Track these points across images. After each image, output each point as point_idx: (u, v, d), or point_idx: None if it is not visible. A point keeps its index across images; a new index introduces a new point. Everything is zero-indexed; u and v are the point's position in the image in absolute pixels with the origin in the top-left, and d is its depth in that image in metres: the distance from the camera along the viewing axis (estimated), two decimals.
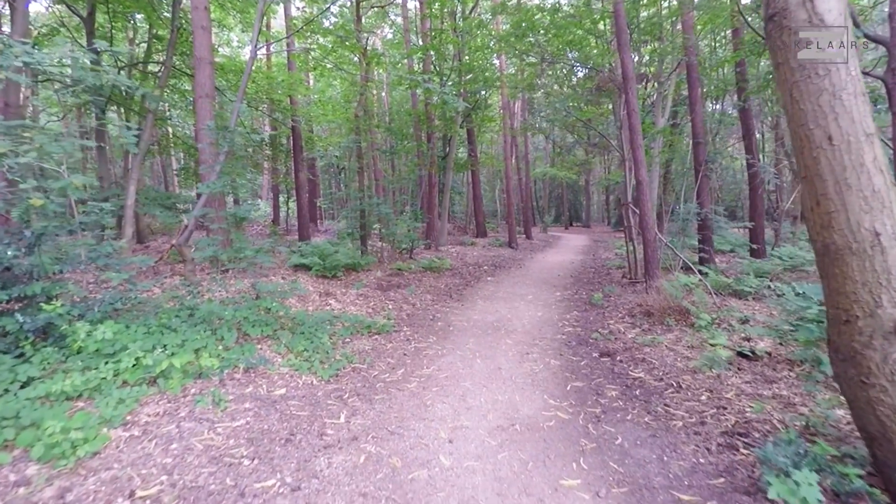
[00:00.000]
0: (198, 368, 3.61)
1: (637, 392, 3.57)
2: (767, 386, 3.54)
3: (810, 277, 7.05)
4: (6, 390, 2.93)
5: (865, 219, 1.89)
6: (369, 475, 2.48)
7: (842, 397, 2.53)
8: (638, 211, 7.35)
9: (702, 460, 2.58)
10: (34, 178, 3.84)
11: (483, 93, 15.69)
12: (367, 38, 12.04)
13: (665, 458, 2.61)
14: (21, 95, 6.86)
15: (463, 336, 5.25)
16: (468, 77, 13.68)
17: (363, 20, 11.10)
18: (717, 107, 13.58)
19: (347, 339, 4.98)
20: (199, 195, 5.74)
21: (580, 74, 13.60)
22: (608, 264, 11.26)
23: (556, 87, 14.88)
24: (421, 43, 14.82)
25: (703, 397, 3.40)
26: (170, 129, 15.70)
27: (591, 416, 3.19)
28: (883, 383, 1.89)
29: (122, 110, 11.31)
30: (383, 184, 14.46)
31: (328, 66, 12.68)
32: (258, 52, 10.00)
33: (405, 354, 4.62)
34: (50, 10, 12.91)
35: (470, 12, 14.38)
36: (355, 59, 11.74)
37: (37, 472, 2.39)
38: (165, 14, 10.17)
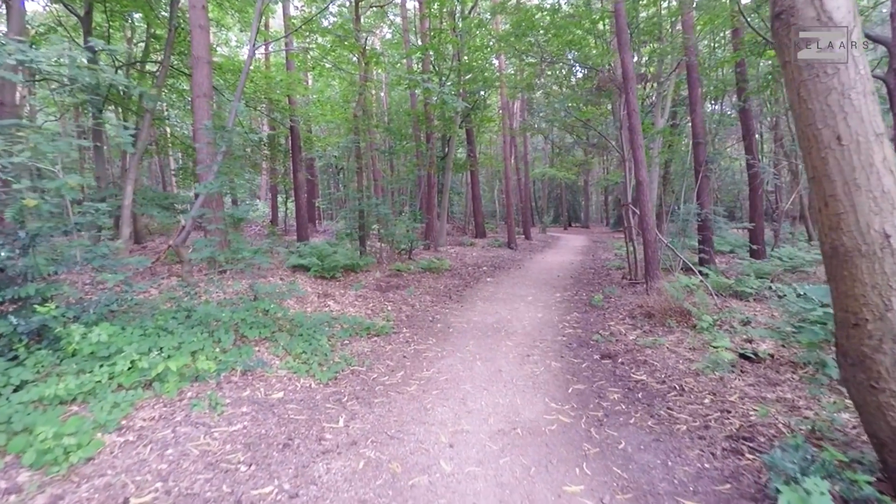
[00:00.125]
0: (194, 371, 3.56)
1: (639, 395, 3.53)
2: (771, 389, 3.50)
3: (811, 278, 7.03)
4: None
5: (875, 220, 1.85)
6: (369, 481, 2.44)
7: (848, 401, 2.50)
8: (638, 211, 7.31)
9: (707, 465, 2.54)
10: (30, 178, 3.79)
11: (482, 93, 15.65)
12: (366, 38, 12.00)
13: (669, 463, 2.57)
14: (17, 95, 6.80)
15: (463, 338, 5.20)
16: (467, 77, 13.64)
17: (362, 20, 11.05)
18: (717, 107, 13.56)
19: (346, 341, 4.93)
20: (196, 195, 5.69)
21: (579, 75, 13.57)
22: (608, 265, 11.23)
23: (555, 87, 14.84)
24: (420, 43, 14.78)
25: (707, 400, 3.36)
26: (167, 129, 15.62)
27: (593, 420, 3.15)
28: (893, 388, 1.86)
29: (120, 110, 11.23)
30: (382, 184, 14.43)
31: (327, 65, 12.62)
32: (256, 52, 9.97)
33: (404, 357, 4.57)
34: (47, 9, 12.83)
35: (469, 12, 14.34)
36: (354, 58, 11.70)
37: (28, 478, 2.34)
38: (163, 13, 10.12)
